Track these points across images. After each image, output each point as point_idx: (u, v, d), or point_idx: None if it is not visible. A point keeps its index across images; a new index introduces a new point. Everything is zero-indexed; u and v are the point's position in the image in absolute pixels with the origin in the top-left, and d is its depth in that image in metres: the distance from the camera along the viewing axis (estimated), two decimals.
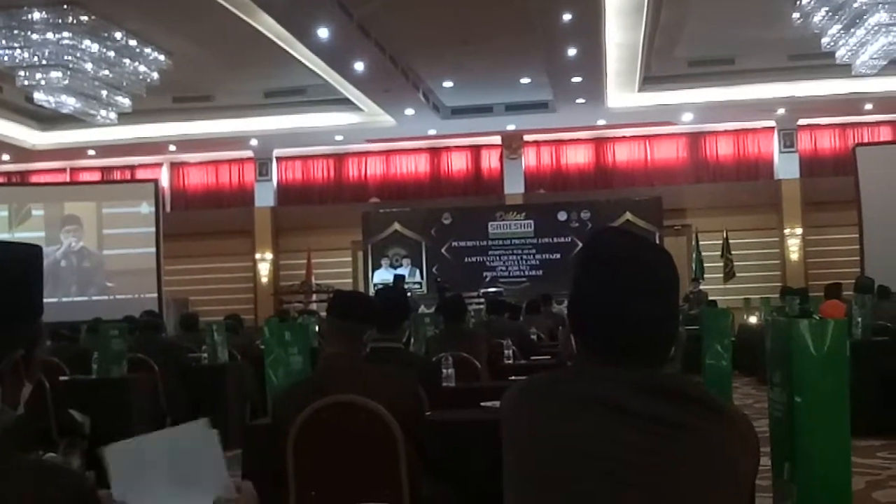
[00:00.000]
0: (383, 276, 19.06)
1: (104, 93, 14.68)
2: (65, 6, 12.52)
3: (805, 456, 2.38)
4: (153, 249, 18.33)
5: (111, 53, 13.68)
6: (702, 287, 17.33)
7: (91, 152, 20.09)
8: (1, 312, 1.44)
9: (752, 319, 14.69)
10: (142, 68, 14.39)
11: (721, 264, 18.55)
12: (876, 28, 12.59)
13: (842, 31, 13.09)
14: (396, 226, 19.41)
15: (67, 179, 21.25)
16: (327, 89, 16.83)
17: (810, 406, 2.40)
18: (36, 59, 13.26)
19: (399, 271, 19.05)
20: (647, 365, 1.64)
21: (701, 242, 18.46)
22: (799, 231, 19.04)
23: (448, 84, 17.14)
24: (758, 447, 1.65)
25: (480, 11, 13.11)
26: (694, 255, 18.33)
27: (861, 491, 5.60)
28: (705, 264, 18.25)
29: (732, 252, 18.57)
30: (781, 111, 18.54)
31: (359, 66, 14.91)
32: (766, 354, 2.61)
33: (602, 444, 1.58)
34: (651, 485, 1.56)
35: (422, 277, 18.96)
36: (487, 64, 15.55)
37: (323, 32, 13.24)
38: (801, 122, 19.30)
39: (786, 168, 19.37)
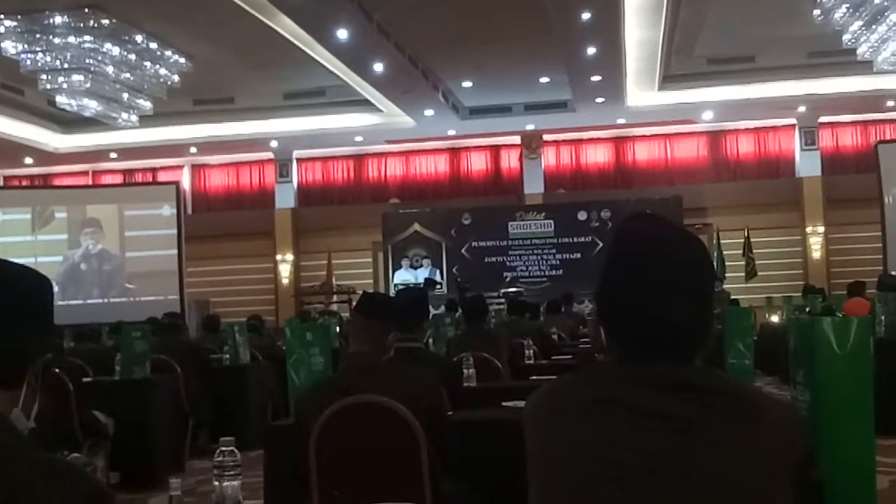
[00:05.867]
0: (404, 276, 19.09)
1: (125, 96, 14.77)
2: (86, 10, 12.60)
3: (829, 455, 2.37)
4: (175, 251, 18.40)
5: (132, 56, 13.78)
6: (724, 286, 17.25)
7: (113, 155, 20.22)
8: (21, 319, 1.47)
9: (774, 318, 14.62)
10: (163, 71, 14.48)
11: (742, 263, 18.45)
12: None
13: (863, 28, 13.00)
14: (416, 226, 19.42)
15: (89, 182, 21.38)
16: (347, 90, 16.86)
17: (834, 405, 2.39)
18: (58, 62, 13.37)
19: (419, 272, 19.05)
20: (671, 361, 1.59)
21: (722, 241, 18.38)
22: (821, 229, 18.92)
23: (467, 84, 17.14)
24: (790, 428, 1.57)
25: (499, 11, 13.10)
26: (715, 254, 18.18)
27: (885, 490, 5.55)
28: (727, 263, 18.16)
29: (754, 251, 18.47)
30: (802, 109, 18.42)
31: (378, 68, 14.92)
32: (789, 353, 2.59)
33: (612, 446, 1.55)
34: (661, 486, 1.51)
35: (442, 278, 18.94)
36: (506, 64, 15.53)
37: (342, 34, 13.27)
38: (823, 119, 19.18)
39: (807, 166, 19.25)
